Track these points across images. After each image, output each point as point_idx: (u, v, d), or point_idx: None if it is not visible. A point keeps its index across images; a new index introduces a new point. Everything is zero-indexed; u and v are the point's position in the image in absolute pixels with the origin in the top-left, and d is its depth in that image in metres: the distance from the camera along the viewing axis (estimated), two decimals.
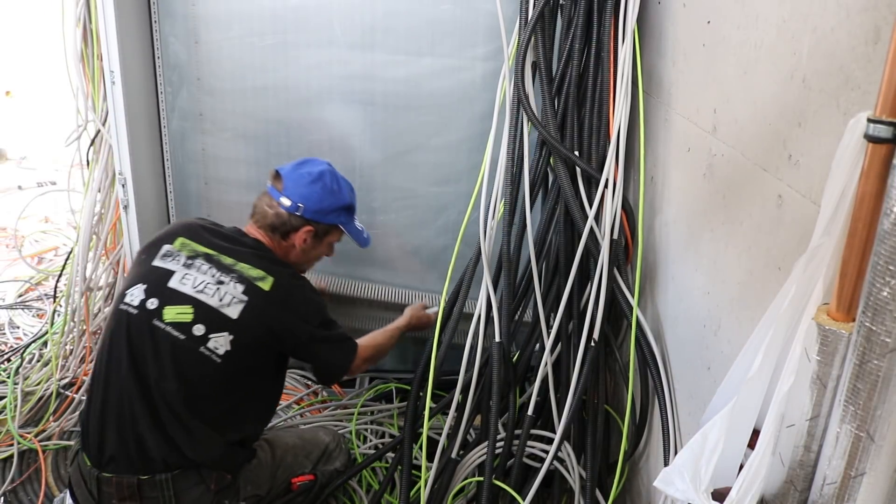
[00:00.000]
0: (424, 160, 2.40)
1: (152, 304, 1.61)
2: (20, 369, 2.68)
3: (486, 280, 1.87)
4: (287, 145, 2.42)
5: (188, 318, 1.60)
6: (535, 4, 1.81)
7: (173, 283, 1.63)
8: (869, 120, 0.71)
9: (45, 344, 2.85)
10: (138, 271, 1.70)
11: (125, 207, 2.31)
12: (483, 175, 1.87)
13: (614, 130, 1.76)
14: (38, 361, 2.75)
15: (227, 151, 2.46)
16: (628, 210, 1.79)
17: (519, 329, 2.04)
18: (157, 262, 1.68)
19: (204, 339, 1.59)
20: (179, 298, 1.62)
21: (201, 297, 1.62)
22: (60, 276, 3.01)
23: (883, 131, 0.70)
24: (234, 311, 1.62)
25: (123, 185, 2.28)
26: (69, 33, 2.31)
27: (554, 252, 1.92)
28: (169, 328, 1.59)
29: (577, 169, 1.79)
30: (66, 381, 2.61)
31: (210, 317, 1.60)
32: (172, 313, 1.60)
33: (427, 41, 2.26)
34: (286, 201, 1.80)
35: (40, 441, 2.33)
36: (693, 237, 1.49)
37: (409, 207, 2.46)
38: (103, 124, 2.36)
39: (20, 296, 3.45)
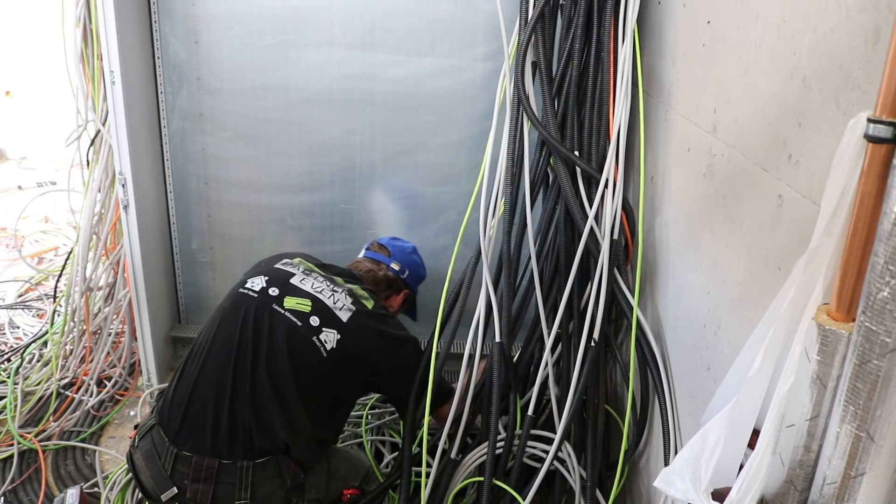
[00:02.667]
0: (424, 160, 2.40)
1: (273, 291, 1.73)
2: (20, 369, 2.68)
3: (486, 280, 1.87)
4: (287, 145, 2.43)
5: (307, 308, 1.71)
6: (535, 4, 1.81)
7: (294, 281, 1.77)
8: (869, 120, 0.71)
9: (45, 344, 2.85)
10: (258, 270, 1.82)
11: (125, 207, 2.31)
12: (483, 175, 1.87)
13: (614, 130, 1.76)
14: (38, 361, 2.75)
15: (227, 151, 2.46)
16: (628, 210, 1.79)
17: (519, 329, 2.04)
18: (277, 266, 1.82)
19: (318, 329, 1.69)
20: (299, 292, 1.74)
21: (319, 295, 1.75)
22: (60, 276, 3.01)
23: (883, 131, 0.70)
24: (344, 315, 1.74)
25: (123, 185, 2.28)
26: (69, 33, 2.31)
27: (554, 252, 1.92)
28: (288, 314, 1.69)
29: (577, 169, 1.79)
30: (66, 381, 2.61)
31: (325, 313, 1.72)
32: (292, 302, 1.71)
33: (427, 41, 2.27)
34: (396, 266, 2.10)
35: (40, 441, 2.33)
36: (693, 237, 1.49)
37: (409, 207, 2.47)
38: (103, 124, 2.36)
39: (20, 296, 3.45)
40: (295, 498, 1.66)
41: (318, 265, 1.90)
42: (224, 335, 1.66)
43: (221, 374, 1.62)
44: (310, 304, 1.72)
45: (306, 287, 1.76)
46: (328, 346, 1.68)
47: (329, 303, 1.74)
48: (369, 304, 1.81)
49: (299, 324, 1.68)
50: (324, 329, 1.69)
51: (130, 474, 1.70)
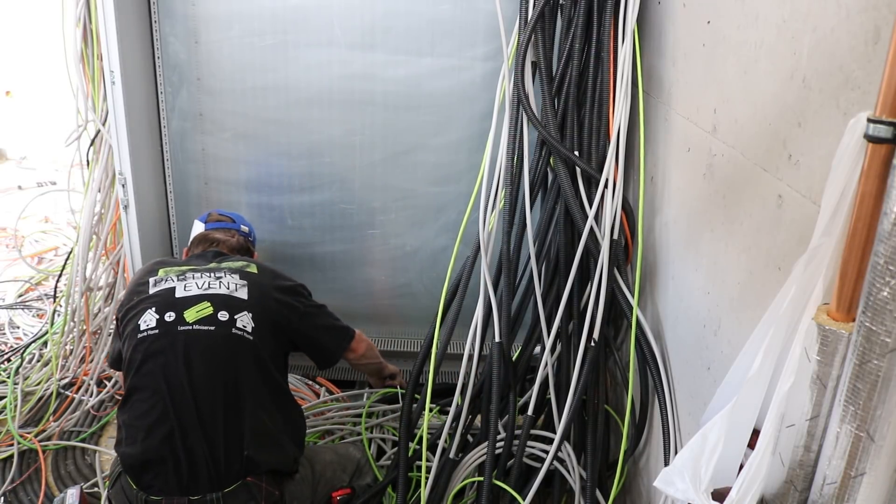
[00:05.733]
0: (424, 160, 2.40)
1: (169, 316, 1.65)
2: (20, 369, 2.68)
3: (486, 279, 1.87)
4: (287, 145, 2.43)
5: (209, 310, 1.66)
6: (535, 4, 1.81)
7: (179, 294, 1.69)
8: (869, 120, 0.71)
9: (45, 344, 2.85)
10: (141, 306, 1.70)
11: (125, 207, 2.31)
12: (483, 175, 1.87)
13: (614, 130, 1.76)
14: (38, 361, 2.75)
15: (227, 151, 2.46)
16: (628, 210, 1.79)
17: (518, 329, 2.04)
18: (152, 290, 1.72)
19: (231, 321, 1.66)
20: (192, 300, 1.68)
21: (210, 291, 1.70)
22: (60, 276, 3.01)
23: (883, 131, 0.70)
24: (242, 294, 1.72)
25: (123, 185, 2.28)
26: (69, 33, 2.31)
27: (554, 252, 1.92)
28: (196, 326, 1.64)
29: (577, 169, 1.79)
30: (66, 381, 2.61)
31: (227, 302, 1.68)
32: (193, 313, 1.65)
33: (427, 41, 2.26)
34: (245, 228, 2.13)
35: (40, 441, 2.33)
36: (693, 237, 1.49)
37: (409, 207, 2.47)
38: (103, 124, 2.36)
39: (20, 296, 3.45)
40: None
41: (181, 264, 1.83)
42: (150, 386, 1.60)
43: (163, 420, 1.57)
44: (208, 303, 1.67)
45: (193, 291, 1.69)
46: (249, 329, 1.66)
47: (223, 291, 1.70)
48: (253, 270, 1.80)
49: (212, 328, 1.63)
50: (235, 317, 1.66)
51: None
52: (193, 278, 1.73)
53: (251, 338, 1.65)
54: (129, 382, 1.65)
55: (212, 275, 1.74)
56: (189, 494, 1.55)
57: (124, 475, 1.61)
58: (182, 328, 1.63)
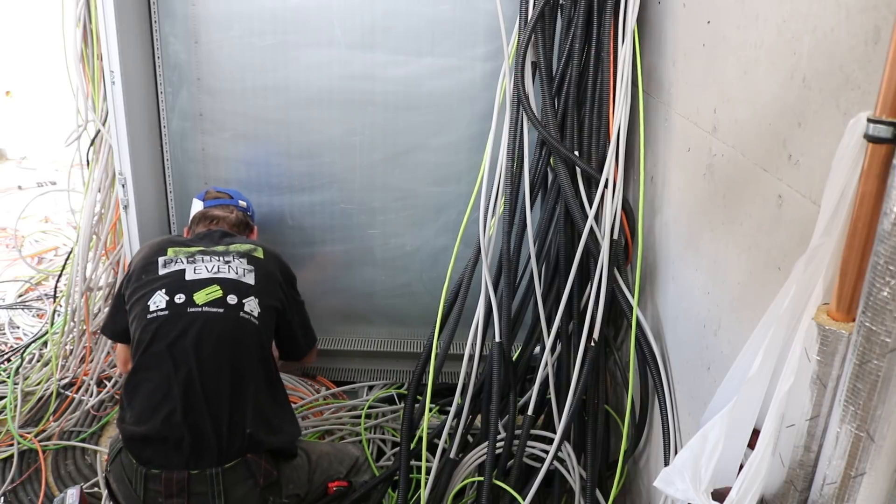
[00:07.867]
0: (424, 160, 2.40)
1: (179, 298, 1.67)
2: (20, 369, 2.68)
3: (486, 280, 1.87)
4: (287, 145, 2.42)
5: (218, 293, 1.69)
6: (535, 4, 1.81)
7: (189, 276, 1.71)
8: (869, 120, 0.71)
9: (45, 344, 2.85)
10: (149, 287, 1.71)
11: (125, 207, 2.31)
12: (483, 175, 1.87)
13: (614, 130, 1.76)
14: (38, 361, 2.75)
15: (227, 151, 2.46)
16: (628, 210, 1.79)
17: (518, 329, 2.04)
18: (162, 271, 1.74)
19: (239, 305, 1.69)
20: (202, 283, 1.70)
21: (220, 275, 1.73)
22: (60, 276, 3.01)
23: (883, 131, 0.70)
24: (250, 279, 1.75)
25: (123, 185, 2.28)
26: (69, 33, 2.31)
27: (554, 252, 1.92)
28: (206, 308, 1.66)
29: (577, 169, 1.79)
30: (66, 381, 2.61)
31: (236, 287, 1.72)
32: (203, 296, 1.68)
33: (427, 41, 2.26)
34: (243, 203, 2.12)
35: (40, 441, 2.33)
36: (693, 237, 1.49)
37: (409, 207, 2.46)
38: (103, 124, 2.36)
39: (20, 296, 3.45)
40: (272, 496, 1.66)
41: (189, 244, 1.83)
42: (157, 365, 1.61)
43: (168, 399, 1.58)
44: (218, 287, 1.70)
45: (203, 274, 1.72)
46: (255, 313, 1.70)
47: (232, 275, 1.73)
48: (259, 255, 1.82)
49: (221, 310, 1.67)
50: (244, 301, 1.70)
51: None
52: (203, 261, 1.75)
53: (256, 322, 1.69)
54: (135, 361, 1.66)
55: (221, 258, 1.76)
56: (189, 469, 1.57)
57: (124, 451, 1.62)
58: (192, 310, 1.65)
